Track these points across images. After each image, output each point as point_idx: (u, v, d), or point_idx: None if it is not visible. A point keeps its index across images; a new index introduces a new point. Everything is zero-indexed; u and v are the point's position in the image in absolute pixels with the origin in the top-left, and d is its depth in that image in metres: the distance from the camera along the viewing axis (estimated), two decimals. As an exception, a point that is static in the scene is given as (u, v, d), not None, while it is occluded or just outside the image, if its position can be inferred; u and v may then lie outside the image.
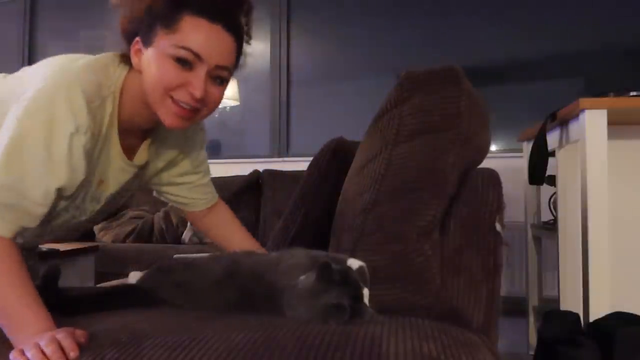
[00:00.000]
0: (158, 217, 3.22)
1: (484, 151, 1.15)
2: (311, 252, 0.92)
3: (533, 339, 2.06)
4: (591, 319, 1.43)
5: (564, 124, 1.75)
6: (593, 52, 3.24)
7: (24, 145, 0.87)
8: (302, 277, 0.82)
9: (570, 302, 1.68)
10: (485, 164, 1.15)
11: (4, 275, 0.83)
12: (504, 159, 2.79)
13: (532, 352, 1.81)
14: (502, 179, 1.08)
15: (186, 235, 3.13)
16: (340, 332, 0.72)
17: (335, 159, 1.47)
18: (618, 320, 1.33)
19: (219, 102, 1.00)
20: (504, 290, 1.02)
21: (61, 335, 0.74)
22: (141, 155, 1.10)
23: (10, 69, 1.18)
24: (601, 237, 1.47)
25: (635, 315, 1.34)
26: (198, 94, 0.93)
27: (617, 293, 1.54)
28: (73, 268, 2.35)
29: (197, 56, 0.92)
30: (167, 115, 0.96)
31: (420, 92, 1.05)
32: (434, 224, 0.98)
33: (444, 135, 1.02)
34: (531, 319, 2.21)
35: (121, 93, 0.99)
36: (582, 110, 1.50)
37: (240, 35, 0.98)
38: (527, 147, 2.15)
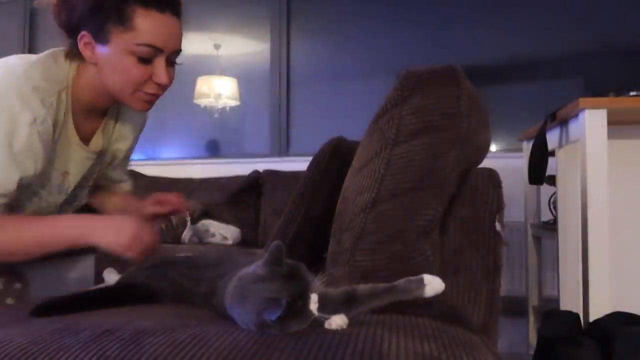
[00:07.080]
0: (158, 217, 3.21)
1: (484, 151, 1.15)
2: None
3: (533, 339, 2.06)
4: (591, 319, 1.43)
5: (563, 123, 1.75)
6: (593, 52, 3.24)
7: None
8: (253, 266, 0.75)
9: (570, 302, 1.68)
10: (485, 164, 1.15)
11: (17, 225, 0.97)
12: (504, 159, 2.78)
13: (532, 352, 1.81)
14: (502, 179, 1.08)
15: (186, 235, 3.12)
16: (340, 332, 0.72)
17: (335, 158, 1.47)
18: (618, 320, 1.33)
19: (173, 79, 1.09)
20: (504, 290, 1.02)
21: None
22: (96, 141, 1.17)
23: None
24: (601, 236, 1.47)
25: (635, 315, 1.34)
26: (164, 82, 1.03)
27: (617, 293, 1.54)
28: (72, 268, 2.35)
29: (157, 49, 1.00)
30: (137, 103, 1.06)
31: (420, 91, 1.04)
32: (434, 223, 0.98)
33: (444, 135, 1.02)
34: (531, 318, 2.21)
35: (75, 85, 1.06)
36: (582, 110, 1.50)
37: (181, 14, 1.05)
38: (527, 147, 2.15)
